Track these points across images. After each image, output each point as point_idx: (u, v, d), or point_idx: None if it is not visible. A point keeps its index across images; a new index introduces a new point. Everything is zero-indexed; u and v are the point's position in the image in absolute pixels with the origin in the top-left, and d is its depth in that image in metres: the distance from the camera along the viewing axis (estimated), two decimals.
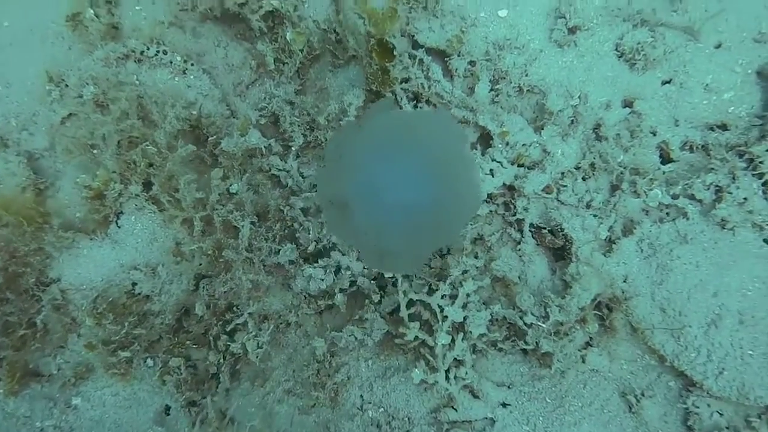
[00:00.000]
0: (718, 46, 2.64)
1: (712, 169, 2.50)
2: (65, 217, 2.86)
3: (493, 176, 2.65)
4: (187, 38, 3.13)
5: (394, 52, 2.60)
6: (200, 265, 2.74)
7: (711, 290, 2.37)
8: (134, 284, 2.70)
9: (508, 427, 2.51)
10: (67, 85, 2.89)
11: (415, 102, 2.82)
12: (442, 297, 2.54)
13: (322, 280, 2.69)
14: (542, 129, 2.67)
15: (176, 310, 2.76)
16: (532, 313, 2.49)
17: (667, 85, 2.68)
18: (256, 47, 2.98)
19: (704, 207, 2.52)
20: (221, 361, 2.72)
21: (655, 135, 2.62)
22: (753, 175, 2.42)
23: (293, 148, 2.89)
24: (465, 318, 2.53)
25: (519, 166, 2.68)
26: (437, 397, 2.59)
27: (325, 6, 3.03)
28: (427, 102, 2.78)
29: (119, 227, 2.78)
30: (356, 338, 2.68)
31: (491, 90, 2.77)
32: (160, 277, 2.73)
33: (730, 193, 2.43)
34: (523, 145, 2.66)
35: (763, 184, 2.42)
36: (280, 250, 2.73)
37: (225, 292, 2.70)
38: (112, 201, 2.73)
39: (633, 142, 2.62)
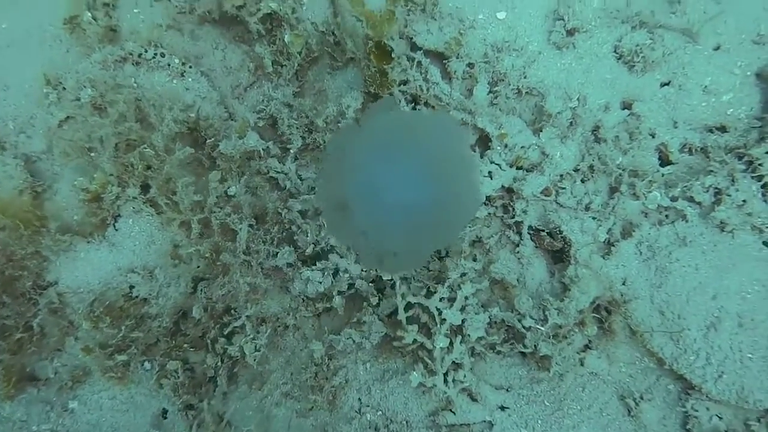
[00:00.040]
0: (717, 48, 2.63)
1: (711, 171, 2.49)
2: (63, 220, 2.85)
3: (491, 178, 2.64)
4: (185, 41, 3.13)
5: (392, 55, 2.60)
6: (198, 267, 2.73)
7: (710, 293, 2.36)
8: (131, 287, 2.70)
9: (507, 430, 2.50)
10: (64, 88, 2.88)
11: (413, 104, 2.81)
12: (441, 300, 2.53)
13: (320, 282, 2.68)
14: (541, 131, 2.66)
15: (174, 313, 2.75)
16: (531, 316, 2.48)
17: (665, 87, 2.67)
18: (254, 50, 2.98)
19: (703, 209, 2.51)
20: (219, 364, 2.71)
21: (653, 137, 2.62)
22: (752, 177, 2.42)
23: (291, 151, 2.88)
24: (463, 321, 2.52)
25: (518, 168, 2.68)
26: (435, 401, 2.58)
27: (323, 8, 3.03)
28: (426, 104, 2.78)
29: (117, 230, 2.78)
30: (354, 341, 2.67)
31: (490, 92, 2.77)
32: (158, 280, 2.72)
33: (729, 195, 2.42)
34: (522, 147, 2.65)
35: (763, 187, 2.41)
36: (278, 252, 2.72)
37: (223, 295, 2.70)
38: (109, 204, 2.72)
39: (632, 144, 2.61)
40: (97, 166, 2.70)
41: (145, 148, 2.66)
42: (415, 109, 2.78)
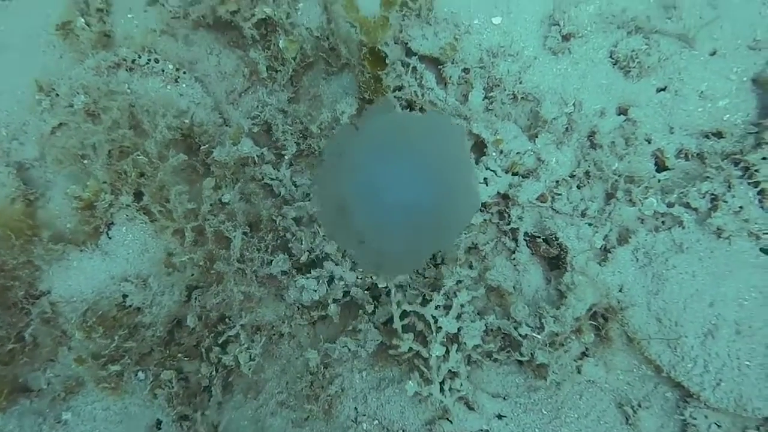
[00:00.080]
0: (713, 54, 2.62)
1: (708, 177, 2.48)
2: (56, 228, 2.82)
3: (487, 185, 2.63)
4: (179, 46, 3.11)
5: (386, 61, 2.58)
6: (192, 275, 2.71)
7: (707, 300, 2.35)
8: (125, 296, 2.67)
9: None
10: (57, 95, 2.86)
11: (408, 109, 2.80)
12: (436, 308, 2.51)
13: (315, 290, 2.66)
14: (536, 137, 2.65)
15: (168, 322, 2.72)
16: (527, 324, 2.46)
17: (661, 92, 2.66)
18: (248, 55, 2.96)
19: (700, 216, 2.49)
20: (213, 373, 2.69)
21: (650, 143, 2.60)
22: (749, 183, 2.40)
23: (286, 157, 2.86)
24: (459, 329, 2.50)
25: (513, 174, 2.66)
26: (432, 410, 2.56)
27: (318, 13, 3.02)
28: (421, 110, 2.76)
29: (110, 238, 2.75)
30: (350, 349, 2.65)
31: (485, 98, 2.75)
32: (152, 288, 2.70)
33: (726, 201, 2.41)
34: (517, 153, 2.64)
35: (759, 193, 2.40)
36: (272, 260, 2.70)
37: (217, 303, 2.67)
38: (102, 212, 2.70)
39: (628, 150, 2.60)
40: (90, 173, 2.68)
41: (138, 155, 2.63)
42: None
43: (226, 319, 2.73)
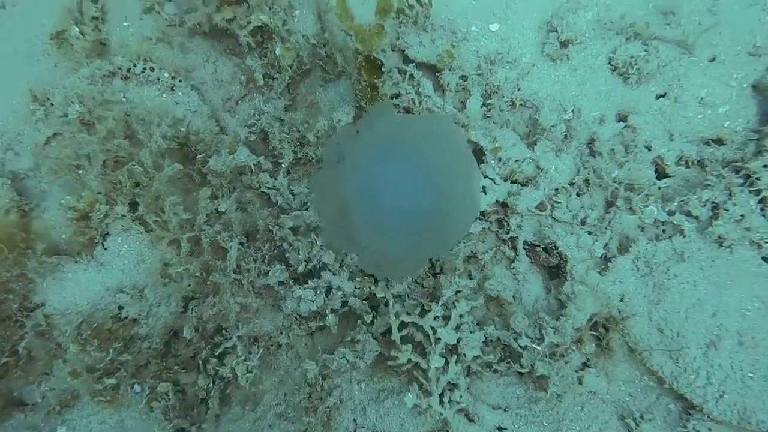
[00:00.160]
0: (713, 60, 2.60)
1: (708, 185, 2.45)
2: (51, 239, 2.80)
3: (485, 193, 2.60)
4: (175, 54, 3.09)
5: (383, 69, 2.56)
6: (188, 286, 2.68)
7: (709, 310, 2.32)
8: (120, 308, 2.64)
9: None
10: (52, 104, 2.84)
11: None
12: (435, 318, 2.49)
13: (313, 301, 2.63)
14: (535, 144, 2.62)
15: (164, 334, 2.69)
16: (527, 335, 2.43)
17: (661, 99, 2.64)
18: (245, 62, 2.94)
19: (701, 224, 2.47)
20: (210, 385, 2.66)
21: (649, 150, 2.58)
22: (750, 191, 2.38)
23: (283, 165, 2.84)
24: (458, 340, 2.47)
25: (512, 182, 2.64)
26: (432, 422, 2.53)
27: (314, 21, 3.00)
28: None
29: (105, 249, 2.73)
30: (348, 360, 2.62)
31: (483, 105, 2.73)
32: (148, 299, 2.67)
33: (727, 210, 2.38)
34: (516, 161, 2.61)
35: (761, 201, 2.37)
36: (269, 271, 2.67)
37: (213, 315, 2.65)
38: (97, 222, 2.67)
39: (628, 157, 2.57)
40: (85, 183, 2.65)
41: (134, 165, 2.61)
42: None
43: (223, 331, 2.70)
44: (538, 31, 2.78)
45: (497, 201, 2.64)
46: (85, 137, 2.66)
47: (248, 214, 2.80)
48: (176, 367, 2.68)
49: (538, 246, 2.65)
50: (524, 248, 2.65)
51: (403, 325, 2.53)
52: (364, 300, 2.67)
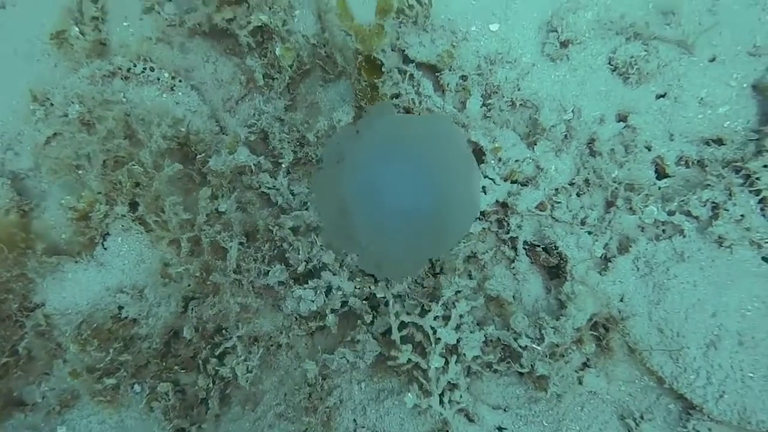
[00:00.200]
0: (713, 60, 2.60)
1: (708, 185, 2.45)
2: (51, 239, 2.80)
3: (485, 193, 2.60)
4: (175, 54, 3.09)
5: (383, 69, 2.56)
6: (188, 286, 2.68)
7: (709, 310, 2.32)
8: (120, 308, 2.64)
9: None
10: (52, 104, 2.84)
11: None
12: (435, 318, 2.49)
13: (313, 301, 2.63)
14: (535, 144, 2.62)
15: (164, 334, 2.69)
16: (527, 335, 2.43)
17: (661, 99, 2.64)
18: (245, 62, 2.94)
19: (701, 224, 2.47)
20: (210, 385, 2.66)
21: (649, 150, 2.58)
22: (750, 191, 2.38)
23: (283, 165, 2.84)
24: (458, 340, 2.47)
25: (512, 182, 2.64)
26: (432, 422, 2.53)
27: (314, 20, 3.00)
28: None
29: (105, 249, 2.73)
30: (348, 360, 2.62)
31: (483, 105, 2.73)
32: (148, 299, 2.67)
33: (727, 210, 2.38)
34: (516, 161, 2.61)
35: (760, 201, 2.37)
36: (269, 271, 2.67)
37: (213, 315, 2.65)
38: (97, 222, 2.67)
39: (628, 157, 2.57)
40: (85, 183, 2.65)
41: (134, 165, 2.61)
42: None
43: (223, 331, 2.70)
44: (538, 31, 2.78)
45: (497, 201, 2.64)
46: (85, 137, 2.66)
47: (248, 214, 2.80)
48: (176, 367, 2.68)
49: (538, 246, 2.65)
50: (524, 248, 2.65)
51: (403, 325, 2.53)
52: (364, 300, 2.67)
